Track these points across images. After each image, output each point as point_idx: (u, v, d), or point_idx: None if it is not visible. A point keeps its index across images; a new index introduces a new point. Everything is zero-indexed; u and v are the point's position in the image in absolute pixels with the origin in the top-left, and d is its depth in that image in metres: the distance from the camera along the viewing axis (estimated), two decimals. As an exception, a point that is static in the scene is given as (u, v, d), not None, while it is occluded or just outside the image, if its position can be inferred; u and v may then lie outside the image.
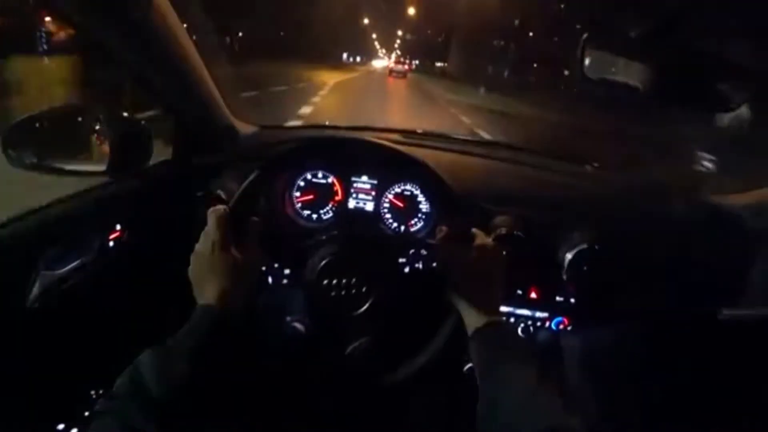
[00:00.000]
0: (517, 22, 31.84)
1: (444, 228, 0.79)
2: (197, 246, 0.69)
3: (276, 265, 0.96)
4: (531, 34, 29.44)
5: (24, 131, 0.80)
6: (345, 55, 73.90)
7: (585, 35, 0.66)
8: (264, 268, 0.94)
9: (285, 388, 0.95)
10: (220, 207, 0.70)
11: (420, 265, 0.98)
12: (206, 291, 0.65)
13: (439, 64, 72.45)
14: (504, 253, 0.79)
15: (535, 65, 27.40)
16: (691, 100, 0.70)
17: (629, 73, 0.73)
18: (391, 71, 35.55)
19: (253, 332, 1.10)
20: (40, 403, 0.77)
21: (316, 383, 0.90)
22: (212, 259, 0.66)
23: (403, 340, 0.91)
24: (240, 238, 0.70)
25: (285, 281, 0.97)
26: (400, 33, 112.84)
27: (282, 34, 35.71)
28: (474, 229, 0.77)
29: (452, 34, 59.12)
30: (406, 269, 0.98)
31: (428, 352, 0.86)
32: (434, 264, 0.96)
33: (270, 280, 0.97)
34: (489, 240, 0.76)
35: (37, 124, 0.83)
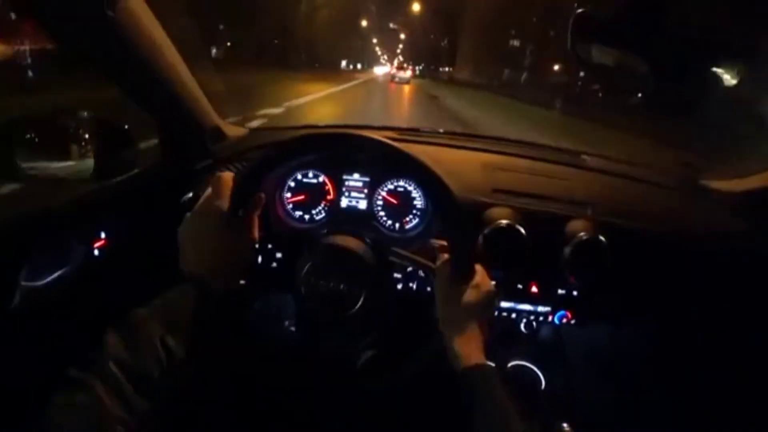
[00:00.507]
0: (534, 19, 30.57)
1: (445, 256, 0.75)
2: (196, 207, 0.66)
3: (269, 246, 0.94)
4: (552, 33, 26.76)
5: (6, 136, 0.78)
6: (344, 63, 71.19)
7: (575, 13, 0.65)
8: (257, 246, 0.92)
9: (279, 388, 0.93)
10: (227, 172, 0.67)
11: (414, 286, 0.95)
12: (197, 256, 0.62)
13: (443, 69, 70.95)
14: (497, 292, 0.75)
15: (556, 67, 25.31)
16: (685, 81, 0.68)
17: (622, 59, 0.71)
18: (393, 77, 32.83)
19: (249, 333, 1.07)
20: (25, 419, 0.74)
21: (307, 384, 0.87)
22: (209, 222, 0.63)
23: (393, 347, 0.89)
24: (239, 208, 0.67)
25: (275, 264, 0.95)
26: (402, 36, 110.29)
27: (276, 42, 34.37)
28: (477, 266, 0.74)
29: (459, 35, 57.43)
30: (400, 285, 0.95)
31: (418, 361, 0.84)
32: (428, 289, 0.93)
33: (260, 259, 0.94)
34: (488, 280, 0.73)
35: (20, 130, 0.81)
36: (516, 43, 34.47)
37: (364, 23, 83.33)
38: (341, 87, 18.85)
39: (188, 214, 0.66)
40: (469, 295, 0.69)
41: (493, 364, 0.65)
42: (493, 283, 0.75)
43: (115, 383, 0.45)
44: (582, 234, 0.92)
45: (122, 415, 0.44)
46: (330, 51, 50.53)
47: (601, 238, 0.92)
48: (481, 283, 0.71)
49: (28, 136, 0.82)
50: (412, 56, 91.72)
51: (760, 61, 0.71)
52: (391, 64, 63.49)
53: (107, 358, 0.47)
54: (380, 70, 66.26)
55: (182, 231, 0.65)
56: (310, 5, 41.19)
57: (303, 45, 36.35)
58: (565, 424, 1.05)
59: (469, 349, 0.64)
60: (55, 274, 0.76)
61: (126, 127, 0.91)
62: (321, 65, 41.21)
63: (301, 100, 11.21)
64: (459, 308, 0.69)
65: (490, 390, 0.60)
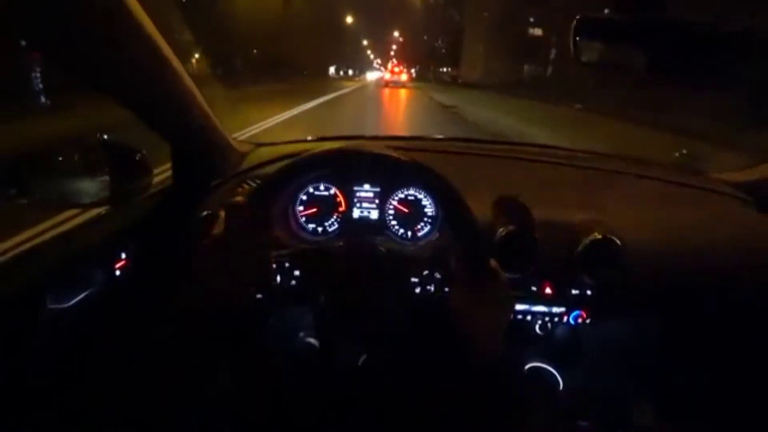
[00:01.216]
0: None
1: (461, 261, 0.74)
2: (210, 236, 0.67)
3: (287, 265, 0.94)
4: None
5: (23, 168, 0.80)
6: (332, 69, 66.51)
7: (576, 19, 0.65)
8: (274, 266, 0.92)
9: (297, 401, 0.94)
10: (239, 197, 0.68)
11: (432, 288, 0.95)
12: (213, 280, 0.63)
13: (444, 69, 66.00)
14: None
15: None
16: (688, 77, 0.68)
17: (624, 55, 0.72)
18: (387, 84, 30.10)
19: (268, 346, 1.09)
20: None
21: (327, 397, 0.88)
22: (225, 247, 0.65)
23: (411, 358, 0.89)
24: (255, 229, 0.68)
25: (293, 282, 0.95)
26: (396, 34, 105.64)
27: (255, 51, 31.14)
28: (491, 261, 0.75)
29: (463, 30, 50.28)
30: (417, 289, 0.95)
31: (436, 372, 0.84)
32: (446, 290, 0.93)
33: (279, 279, 0.95)
34: (503, 274, 0.73)
35: (35, 160, 0.84)
36: (537, 32, 28.92)
37: (351, 23, 78.54)
38: (317, 101, 15.32)
39: (204, 239, 0.68)
40: (486, 291, 0.70)
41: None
42: (507, 275, 0.75)
43: None
44: (594, 234, 0.92)
45: None
46: (317, 58, 47.36)
47: (613, 236, 0.92)
48: (497, 277, 0.71)
49: (44, 164, 0.85)
50: (406, 58, 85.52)
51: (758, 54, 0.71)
52: (385, 68, 58.53)
53: None
54: (373, 76, 61.86)
55: (198, 256, 0.67)
56: (292, 10, 37.89)
57: (285, 54, 32.73)
58: (585, 423, 1.04)
59: (490, 344, 0.65)
60: (80, 296, 0.79)
61: (142, 151, 0.93)
62: (309, 73, 39.00)
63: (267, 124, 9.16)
64: (477, 305, 0.69)
65: (511, 384, 0.61)
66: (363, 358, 0.87)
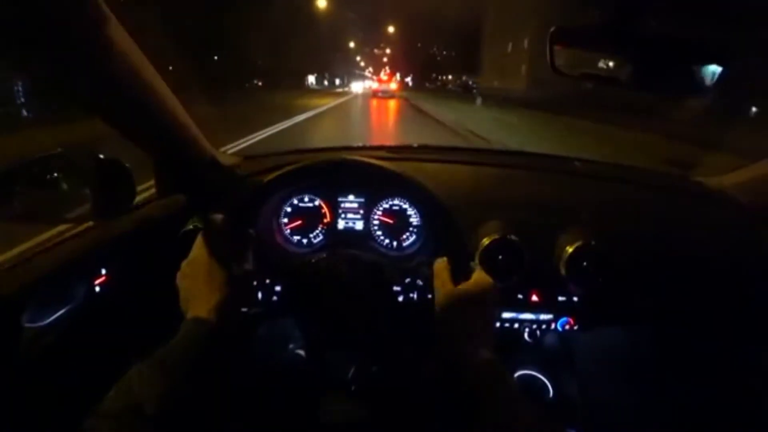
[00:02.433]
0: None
1: (441, 260, 0.76)
2: (191, 253, 0.68)
3: (267, 281, 0.94)
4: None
5: (4, 182, 0.79)
6: (311, 79, 57.61)
7: (551, 30, 0.67)
8: (255, 283, 0.92)
9: (285, 410, 0.92)
10: (219, 215, 0.69)
11: (414, 296, 0.95)
12: (197, 300, 0.63)
13: (443, 77, 61.39)
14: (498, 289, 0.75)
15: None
16: (664, 85, 0.70)
17: (601, 65, 0.73)
18: (375, 94, 28.21)
19: (255, 358, 1.07)
20: None
21: (314, 404, 0.87)
22: (207, 267, 0.65)
23: (398, 365, 0.88)
24: (235, 249, 0.68)
25: (275, 298, 0.95)
26: (391, 30, 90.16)
27: (216, 58, 25.53)
28: (473, 263, 0.75)
29: (483, 33, 43.59)
30: (401, 298, 0.95)
31: (424, 377, 0.84)
32: (429, 296, 0.93)
33: (260, 295, 0.94)
34: (486, 277, 0.73)
35: (15, 173, 0.82)
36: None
37: (338, 27, 66.77)
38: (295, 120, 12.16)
39: (185, 263, 0.68)
40: (469, 293, 0.70)
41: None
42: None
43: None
44: (578, 241, 0.93)
45: None
46: (285, 65, 39.24)
47: (597, 243, 0.93)
48: (480, 279, 0.71)
49: (24, 177, 0.83)
50: (399, 67, 79.24)
51: (737, 62, 0.73)
52: (378, 76, 48.62)
53: (118, 405, 0.48)
54: (359, 87, 49.64)
55: (180, 277, 0.67)
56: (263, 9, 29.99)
57: (260, 60, 29.43)
58: (573, 431, 1.04)
59: (474, 346, 0.65)
60: (58, 313, 0.77)
61: (126, 164, 0.92)
62: (269, 84, 32.18)
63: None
64: (460, 308, 0.69)
65: (499, 384, 0.60)
66: (352, 371, 0.86)
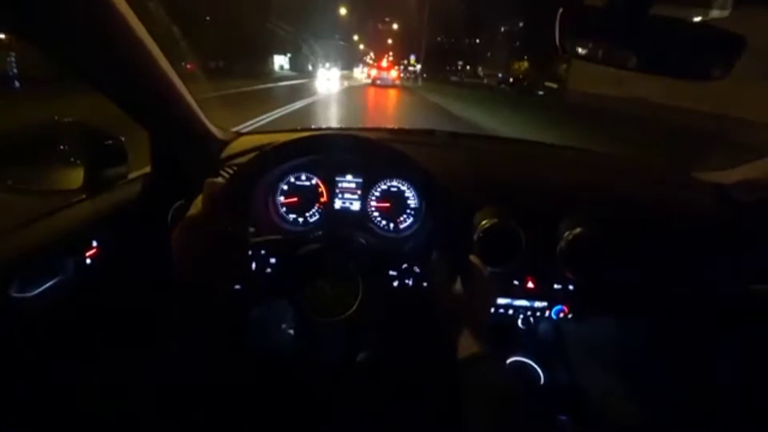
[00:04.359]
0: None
1: (439, 252, 0.75)
2: (188, 214, 0.66)
3: (263, 252, 0.94)
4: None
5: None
6: (282, 62, 39.90)
7: (560, 11, 0.65)
8: (250, 253, 0.91)
9: (278, 393, 0.92)
10: (218, 179, 0.67)
11: (410, 282, 0.95)
12: (191, 262, 0.61)
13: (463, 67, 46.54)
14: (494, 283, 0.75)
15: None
16: (671, 69, 0.69)
17: (609, 47, 0.72)
18: (374, 81, 24.06)
19: (247, 340, 1.07)
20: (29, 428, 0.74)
21: (306, 388, 0.87)
22: (203, 229, 0.63)
23: (392, 345, 0.88)
24: (231, 214, 0.67)
25: (269, 270, 0.94)
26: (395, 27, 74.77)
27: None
28: (472, 257, 0.74)
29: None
30: (395, 283, 0.95)
31: (417, 356, 0.84)
32: (425, 284, 0.93)
33: (254, 266, 0.94)
34: (485, 270, 0.72)
35: (7, 143, 0.81)
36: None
37: None
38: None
39: (181, 221, 0.66)
40: (466, 286, 0.69)
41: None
42: (489, 269, 0.75)
43: None
44: (575, 229, 0.93)
45: None
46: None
47: (594, 232, 0.93)
48: (477, 272, 0.71)
49: (16, 147, 0.81)
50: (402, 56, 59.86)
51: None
52: (378, 63, 38.37)
53: None
54: (335, 80, 29.19)
55: (176, 238, 0.64)
56: None
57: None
58: (564, 417, 1.05)
59: (468, 339, 0.64)
60: (47, 285, 0.75)
61: (119, 137, 0.90)
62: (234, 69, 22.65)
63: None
64: (456, 300, 0.69)
65: (491, 378, 0.60)
66: (341, 350, 0.86)
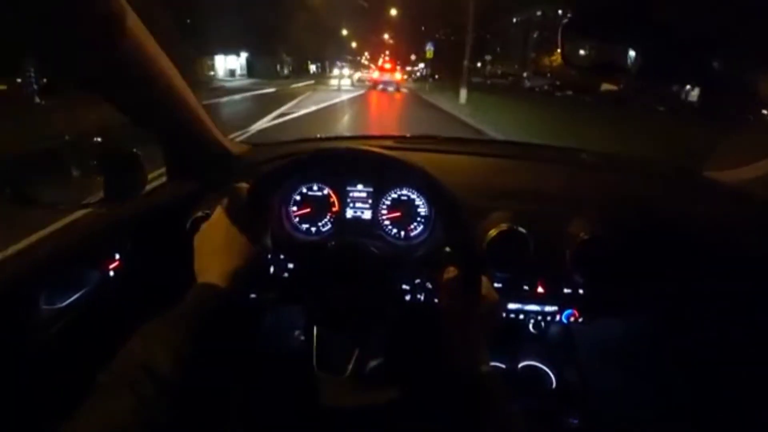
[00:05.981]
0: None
1: (452, 269, 0.75)
2: (212, 217, 0.68)
3: (281, 257, 0.97)
4: None
5: (18, 170, 0.81)
6: (223, 68, 28.60)
7: (564, 22, 0.66)
8: (269, 256, 0.94)
9: (287, 398, 0.94)
10: (243, 184, 0.70)
11: (422, 297, 0.97)
12: (211, 265, 0.64)
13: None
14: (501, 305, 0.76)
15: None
16: (676, 76, 0.69)
17: (612, 56, 0.73)
18: (375, 85, 22.60)
19: (260, 345, 1.09)
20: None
21: (315, 394, 0.88)
22: (226, 232, 0.66)
23: (400, 358, 0.90)
24: (253, 219, 0.69)
25: (286, 275, 0.98)
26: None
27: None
28: (482, 277, 0.75)
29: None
30: (408, 297, 0.97)
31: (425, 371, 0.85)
32: (436, 300, 0.95)
33: (272, 269, 0.97)
34: (493, 291, 0.74)
35: (29, 162, 0.84)
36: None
37: None
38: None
39: (203, 226, 0.69)
40: (475, 306, 0.70)
41: (500, 367, 0.63)
42: (498, 285, 0.75)
43: (138, 387, 0.46)
44: (584, 233, 0.93)
45: (144, 419, 0.45)
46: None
47: (604, 235, 0.93)
48: (487, 294, 0.72)
49: (39, 162, 0.85)
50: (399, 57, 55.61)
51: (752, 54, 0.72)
52: (376, 65, 35.05)
53: (130, 362, 0.49)
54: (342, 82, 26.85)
55: (199, 238, 0.67)
56: None
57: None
58: (575, 420, 1.05)
59: (475, 357, 0.66)
60: (73, 297, 0.79)
61: (136, 150, 0.93)
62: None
63: None
64: (465, 319, 0.70)
65: (497, 397, 0.61)
66: (353, 360, 0.87)
